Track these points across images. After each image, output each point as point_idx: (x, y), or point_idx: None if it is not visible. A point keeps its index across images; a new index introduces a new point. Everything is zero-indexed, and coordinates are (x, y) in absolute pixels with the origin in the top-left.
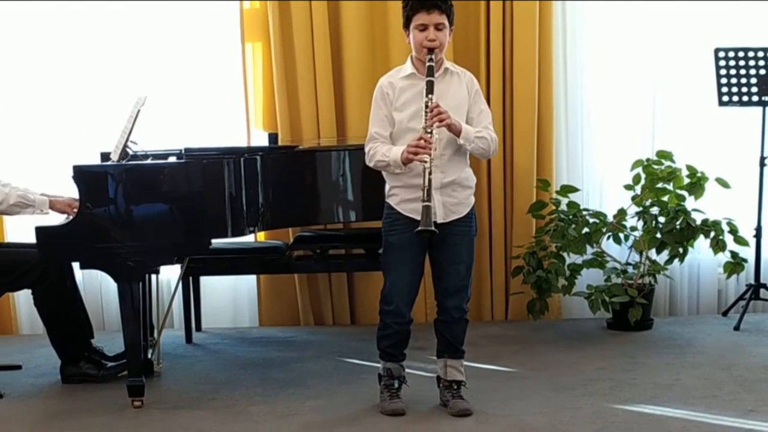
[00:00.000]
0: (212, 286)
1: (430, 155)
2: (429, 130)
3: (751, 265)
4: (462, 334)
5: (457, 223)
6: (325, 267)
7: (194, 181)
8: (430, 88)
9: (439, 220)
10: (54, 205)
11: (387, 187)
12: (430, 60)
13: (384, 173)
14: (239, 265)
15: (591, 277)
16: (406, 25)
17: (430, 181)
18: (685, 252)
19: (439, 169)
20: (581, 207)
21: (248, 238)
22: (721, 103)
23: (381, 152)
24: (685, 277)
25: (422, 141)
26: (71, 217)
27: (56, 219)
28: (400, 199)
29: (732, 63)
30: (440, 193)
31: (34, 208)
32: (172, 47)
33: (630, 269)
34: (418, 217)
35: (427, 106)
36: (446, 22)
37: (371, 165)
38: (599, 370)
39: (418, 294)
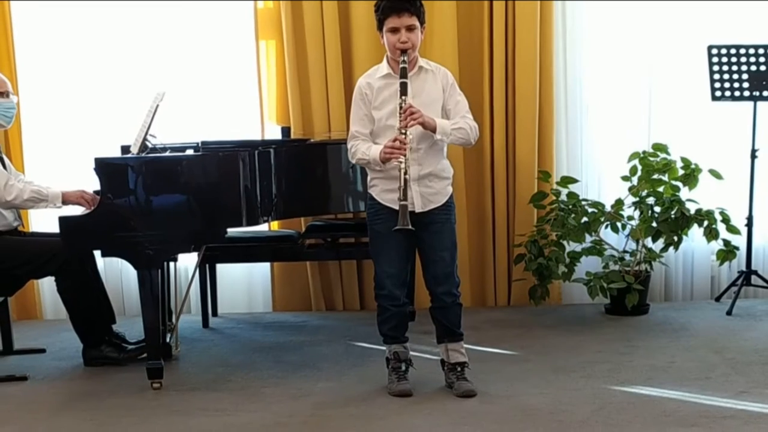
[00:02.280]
0: (228, 273)
1: (405, 155)
2: (403, 131)
3: (742, 252)
4: (457, 318)
5: (436, 212)
6: (336, 255)
7: (211, 173)
8: (403, 90)
9: (418, 209)
10: (67, 198)
11: (369, 177)
12: (404, 62)
13: None
14: (254, 253)
15: (590, 264)
16: (380, 28)
17: (405, 180)
18: (680, 240)
19: (416, 161)
20: (580, 197)
21: (262, 227)
22: (714, 98)
23: (362, 150)
24: (679, 264)
25: (397, 142)
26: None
27: (77, 210)
28: (380, 189)
29: (724, 59)
30: (418, 184)
31: (48, 202)
32: (189, 45)
33: (627, 257)
34: (397, 207)
35: (401, 108)
36: (417, 23)
37: (353, 162)
38: (597, 353)
39: (408, 276)
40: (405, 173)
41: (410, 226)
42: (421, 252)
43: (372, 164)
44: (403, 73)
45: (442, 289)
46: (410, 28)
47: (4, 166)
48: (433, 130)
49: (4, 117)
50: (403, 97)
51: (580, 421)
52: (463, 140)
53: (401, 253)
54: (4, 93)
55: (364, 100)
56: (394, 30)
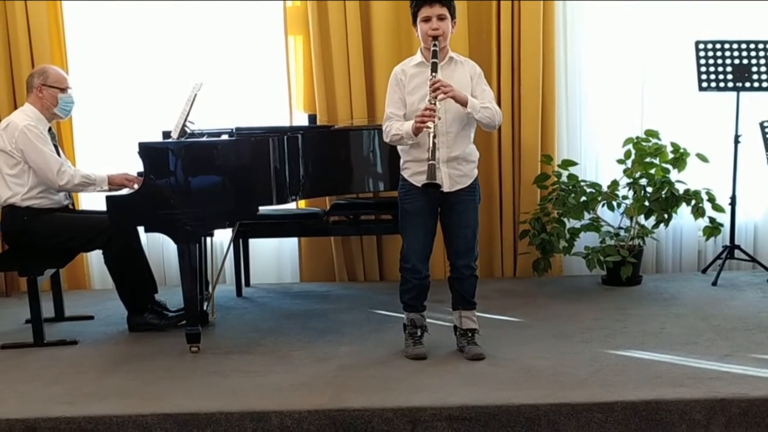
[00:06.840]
0: (259, 247)
1: (434, 121)
2: (433, 101)
3: (726, 229)
4: (472, 288)
5: (462, 193)
6: (357, 231)
7: (244, 156)
8: (434, 68)
9: (446, 190)
10: (113, 181)
11: (401, 161)
12: (434, 46)
13: (399, 149)
14: (283, 229)
15: (588, 239)
16: (414, 21)
17: (434, 143)
18: (670, 218)
19: (445, 145)
20: (580, 178)
21: (291, 206)
22: (701, 89)
23: (395, 127)
24: (669, 240)
25: (427, 111)
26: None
27: (122, 190)
28: (412, 171)
29: (711, 53)
30: (447, 166)
31: (95, 186)
32: (225, 40)
33: (622, 233)
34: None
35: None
36: (447, 14)
37: (387, 140)
38: (595, 320)
39: (431, 252)
40: (434, 136)
41: (437, 181)
42: (445, 228)
43: (405, 138)
44: (434, 55)
45: (462, 262)
46: (441, 17)
47: (58, 154)
48: (464, 105)
49: (63, 110)
50: (434, 74)
51: (579, 381)
52: (489, 120)
53: (427, 230)
54: (64, 89)
55: (399, 84)
56: (427, 19)
